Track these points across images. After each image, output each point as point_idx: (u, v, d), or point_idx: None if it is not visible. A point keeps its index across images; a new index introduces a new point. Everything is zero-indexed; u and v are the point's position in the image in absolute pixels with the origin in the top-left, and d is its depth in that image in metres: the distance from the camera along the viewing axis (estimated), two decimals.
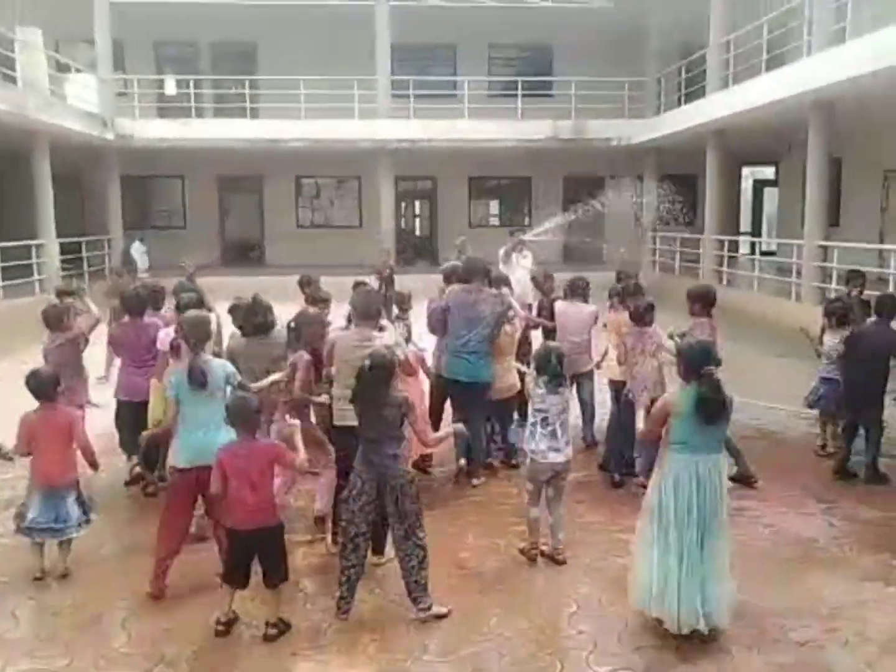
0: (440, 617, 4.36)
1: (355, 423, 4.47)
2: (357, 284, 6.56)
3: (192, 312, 5.12)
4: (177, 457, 4.73)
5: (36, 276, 16.10)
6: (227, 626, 4.24)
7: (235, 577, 4.27)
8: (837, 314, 6.98)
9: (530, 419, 5.01)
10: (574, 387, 6.64)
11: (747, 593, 4.64)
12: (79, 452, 4.89)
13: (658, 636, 4.18)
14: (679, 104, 19.26)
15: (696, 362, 4.16)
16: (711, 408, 4.06)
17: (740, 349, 10.48)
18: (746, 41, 15.96)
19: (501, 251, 9.53)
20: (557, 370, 4.92)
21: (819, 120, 13.70)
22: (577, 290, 7.14)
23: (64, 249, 17.64)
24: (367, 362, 4.31)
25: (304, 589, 4.72)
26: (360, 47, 19.94)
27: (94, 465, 4.95)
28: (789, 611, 4.46)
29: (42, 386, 4.81)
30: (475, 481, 6.40)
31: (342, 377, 4.92)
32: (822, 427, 7.31)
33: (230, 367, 4.75)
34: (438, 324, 6.58)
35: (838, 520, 5.73)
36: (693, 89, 18.58)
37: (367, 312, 5.07)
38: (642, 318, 6.14)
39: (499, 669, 3.97)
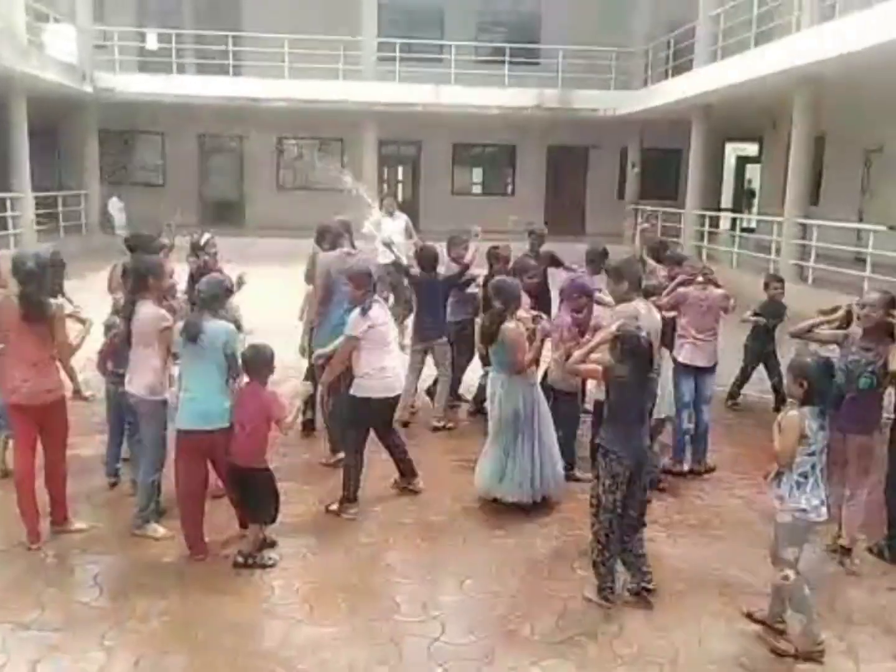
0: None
1: None
2: None
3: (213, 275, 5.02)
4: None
5: (11, 230, 15.83)
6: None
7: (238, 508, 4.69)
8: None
9: (798, 468, 3.81)
10: None
11: (721, 563, 4.72)
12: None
13: (628, 607, 4.24)
14: (666, 77, 19.15)
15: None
16: None
17: None
18: (736, 16, 15.87)
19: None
20: (836, 394, 3.89)
21: (805, 97, 13.70)
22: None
23: (39, 204, 17.34)
24: (642, 337, 4.08)
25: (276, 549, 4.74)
26: (346, 7, 19.57)
27: None
28: (762, 582, 4.49)
29: None
30: None
31: None
32: None
33: (231, 332, 4.54)
34: None
35: None
36: (681, 62, 18.48)
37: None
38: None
39: (468, 627, 4.02)
